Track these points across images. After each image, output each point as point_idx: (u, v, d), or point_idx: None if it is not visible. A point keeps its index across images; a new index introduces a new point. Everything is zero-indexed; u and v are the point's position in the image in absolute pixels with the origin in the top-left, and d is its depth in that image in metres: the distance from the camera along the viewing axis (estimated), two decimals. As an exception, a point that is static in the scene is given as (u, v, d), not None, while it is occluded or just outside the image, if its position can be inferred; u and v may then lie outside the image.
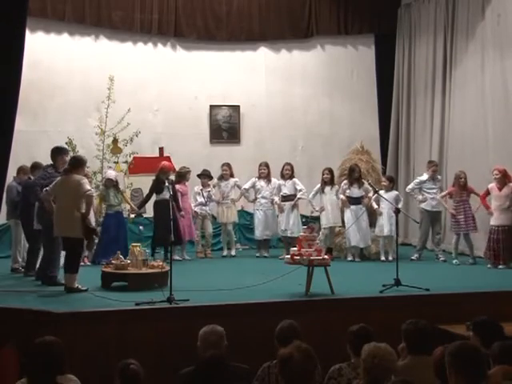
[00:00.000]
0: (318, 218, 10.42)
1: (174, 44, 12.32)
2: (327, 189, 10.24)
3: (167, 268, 7.14)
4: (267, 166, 10.63)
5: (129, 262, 7.48)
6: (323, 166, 10.49)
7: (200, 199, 10.49)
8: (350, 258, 10.03)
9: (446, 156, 11.29)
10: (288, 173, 10.49)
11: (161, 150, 11.59)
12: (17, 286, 7.73)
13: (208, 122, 12.39)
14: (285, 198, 10.41)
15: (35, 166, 8.89)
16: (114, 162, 10.90)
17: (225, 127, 12.44)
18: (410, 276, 7.51)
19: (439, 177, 10.41)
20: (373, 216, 10.27)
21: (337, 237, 10.41)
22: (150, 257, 7.76)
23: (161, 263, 7.65)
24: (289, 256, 7.18)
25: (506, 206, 9.05)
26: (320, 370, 4.25)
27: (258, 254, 10.55)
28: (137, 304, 6.16)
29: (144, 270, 7.42)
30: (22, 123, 9.53)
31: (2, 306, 6.26)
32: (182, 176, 10.27)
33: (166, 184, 9.59)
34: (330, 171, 10.32)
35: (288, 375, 3.51)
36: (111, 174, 9.92)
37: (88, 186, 7.18)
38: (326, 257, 7.07)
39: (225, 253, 10.65)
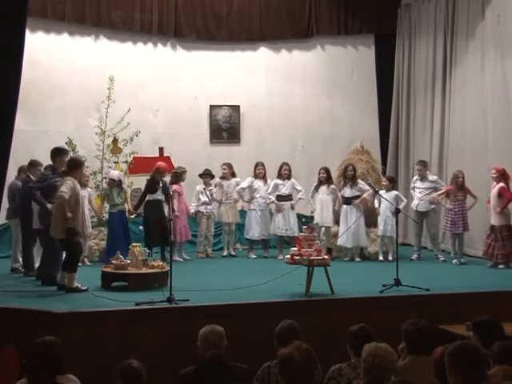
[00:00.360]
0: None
1: (173, 44, 12.32)
2: (322, 188, 10.24)
3: (167, 268, 7.15)
4: (263, 165, 10.64)
5: (129, 262, 7.48)
6: (323, 166, 10.49)
7: (204, 198, 10.48)
8: (346, 259, 10.03)
9: (446, 156, 11.28)
10: (286, 173, 10.49)
11: (161, 150, 11.58)
12: (17, 286, 7.74)
13: (208, 122, 12.39)
14: (283, 198, 10.41)
15: (33, 164, 8.88)
16: (114, 162, 10.89)
17: (225, 127, 12.44)
18: (410, 276, 7.52)
19: (431, 177, 10.26)
20: (371, 216, 10.27)
21: (335, 237, 10.40)
22: (150, 257, 7.76)
23: (161, 263, 7.65)
24: (289, 256, 7.17)
25: (495, 206, 9.06)
26: (320, 370, 4.25)
27: (254, 256, 10.46)
28: (137, 304, 6.16)
29: (144, 270, 7.43)
30: (22, 123, 9.54)
31: (2, 305, 6.27)
32: (178, 176, 10.22)
33: (161, 184, 9.59)
34: (327, 171, 10.33)
35: (288, 375, 3.51)
36: (114, 173, 9.90)
37: (64, 188, 7.12)
38: (325, 257, 7.08)
39: (225, 253, 10.65)
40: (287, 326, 4.66)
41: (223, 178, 10.79)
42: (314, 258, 6.92)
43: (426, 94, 11.86)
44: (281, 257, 9.64)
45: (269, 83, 12.58)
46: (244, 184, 10.62)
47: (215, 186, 10.79)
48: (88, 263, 9.47)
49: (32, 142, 10.77)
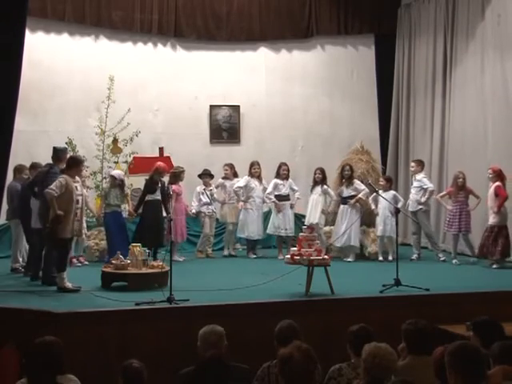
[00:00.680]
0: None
1: (173, 44, 12.32)
2: (317, 189, 10.29)
3: (167, 268, 7.15)
4: (259, 165, 10.65)
5: (129, 262, 7.48)
6: (323, 166, 10.51)
7: (205, 199, 10.48)
8: (345, 259, 10.01)
9: (446, 156, 11.28)
10: (285, 173, 10.50)
11: (161, 150, 11.57)
12: (17, 286, 7.74)
13: (208, 122, 12.39)
14: (283, 198, 10.41)
15: (33, 167, 8.89)
16: (114, 162, 10.89)
17: (225, 127, 12.44)
18: (410, 276, 7.52)
19: (418, 176, 10.19)
20: (371, 216, 10.28)
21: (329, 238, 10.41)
22: (149, 257, 7.76)
23: (161, 263, 7.65)
24: (289, 256, 7.18)
25: (491, 206, 9.07)
26: (320, 370, 4.25)
27: (254, 256, 10.46)
28: (137, 304, 6.16)
29: (144, 270, 7.43)
30: (22, 123, 9.53)
31: (2, 305, 6.27)
32: (177, 176, 10.19)
33: (159, 185, 9.58)
34: (322, 171, 10.37)
35: (288, 375, 3.51)
36: (115, 172, 9.91)
37: (53, 186, 7.13)
38: (325, 257, 7.08)
39: (226, 252, 10.66)
40: (286, 326, 4.66)
41: (225, 178, 10.79)
42: (314, 258, 6.93)
43: (426, 94, 11.87)
44: (281, 257, 9.64)
45: (269, 83, 12.58)
46: (241, 183, 10.60)
47: (217, 187, 10.79)
48: (86, 263, 9.46)
49: (32, 142, 10.77)
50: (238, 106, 12.42)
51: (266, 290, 6.93)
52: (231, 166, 10.86)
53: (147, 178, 9.90)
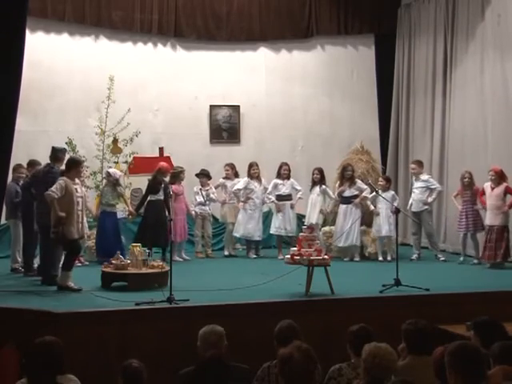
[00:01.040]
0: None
1: (173, 44, 12.31)
2: (315, 189, 10.31)
3: (167, 268, 7.15)
4: (258, 166, 10.65)
5: (129, 262, 7.49)
6: (323, 166, 10.51)
7: (199, 199, 10.48)
8: (346, 259, 10.02)
9: (446, 156, 11.28)
10: (286, 173, 10.50)
11: (161, 150, 11.58)
12: (17, 286, 7.73)
13: (208, 122, 12.39)
14: (283, 198, 10.42)
15: (31, 164, 8.88)
16: (114, 162, 10.89)
17: (225, 127, 12.44)
18: (410, 276, 7.52)
19: (423, 177, 10.23)
20: (370, 216, 10.27)
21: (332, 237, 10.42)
22: (149, 257, 7.76)
23: (161, 263, 7.65)
24: (289, 256, 7.17)
25: (496, 206, 9.06)
26: (320, 370, 4.25)
27: (254, 256, 10.47)
28: (137, 304, 6.16)
29: (144, 270, 7.43)
30: (22, 123, 9.50)
31: (2, 305, 6.26)
32: (176, 176, 10.19)
33: (163, 185, 9.59)
34: (320, 171, 10.39)
35: (288, 375, 3.51)
36: (112, 170, 9.94)
37: (53, 188, 7.14)
38: (325, 257, 7.08)
39: (226, 252, 10.65)
40: (286, 326, 4.66)
41: (226, 178, 10.79)
42: (314, 258, 6.93)
43: (426, 94, 11.86)
44: (280, 257, 9.64)
45: (269, 83, 12.58)
46: (240, 185, 10.59)
47: (218, 187, 10.79)
48: (86, 263, 9.47)
49: (32, 142, 10.76)
50: (238, 106, 12.41)
51: (266, 290, 6.93)
52: (232, 166, 10.86)
53: (150, 178, 9.92)
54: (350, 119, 12.84)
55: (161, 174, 9.84)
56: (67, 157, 8.25)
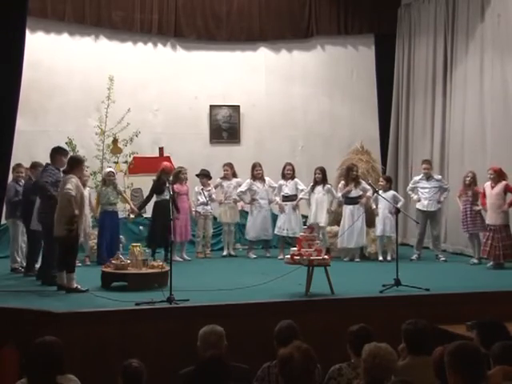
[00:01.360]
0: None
1: (173, 44, 12.32)
2: (318, 188, 10.29)
3: (167, 268, 7.15)
4: (261, 166, 10.65)
5: (129, 262, 7.48)
6: (323, 166, 10.50)
7: (201, 199, 10.48)
8: (345, 259, 10.01)
9: (447, 156, 11.28)
10: (290, 173, 10.51)
11: (161, 150, 11.58)
12: (17, 286, 7.74)
13: (208, 122, 12.39)
14: (286, 198, 10.43)
15: (34, 166, 8.88)
16: (114, 162, 10.89)
17: (225, 127, 12.44)
18: (410, 276, 7.51)
19: (436, 176, 10.33)
20: (372, 216, 10.28)
21: (335, 237, 10.41)
22: (150, 257, 7.76)
23: (161, 263, 7.65)
24: (289, 256, 7.17)
25: (497, 205, 9.05)
26: (320, 370, 4.25)
27: (254, 256, 10.47)
28: (137, 304, 6.16)
29: (144, 270, 7.43)
30: (22, 123, 9.50)
31: (2, 305, 6.26)
32: (176, 176, 10.21)
33: (167, 185, 9.59)
34: (322, 170, 10.37)
35: (288, 375, 3.51)
36: (108, 168, 9.97)
37: (69, 185, 7.09)
38: (325, 257, 7.08)
39: (225, 253, 10.65)
40: (286, 326, 4.67)
41: (224, 178, 10.78)
42: (313, 258, 6.92)
43: (426, 94, 11.86)
44: (281, 256, 9.64)
45: (269, 83, 12.58)
46: (243, 187, 10.60)
47: (216, 187, 10.79)
48: (88, 263, 9.47)
49: (32, 142, 10.77)
50: (238, 106, 12.42)
51: (266, 290, 6.93)
52: (231, 166, 10.85)
53: (154, 178, 9.94)
54: (350, 119, 12.84)
55: (165, 174, 9.86)
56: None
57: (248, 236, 10.64)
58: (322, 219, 10.22)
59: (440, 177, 10.42)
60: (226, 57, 12.50)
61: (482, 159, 10.15)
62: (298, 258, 6.98)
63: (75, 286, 7.06)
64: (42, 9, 11.21)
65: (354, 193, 10.09)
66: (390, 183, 10.42)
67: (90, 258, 9.66)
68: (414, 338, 4.46)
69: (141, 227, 10.89)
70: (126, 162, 10.97)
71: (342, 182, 10.27)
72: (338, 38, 12.92)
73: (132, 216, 10.42)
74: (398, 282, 7.15)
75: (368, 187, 9.85)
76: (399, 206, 9.40)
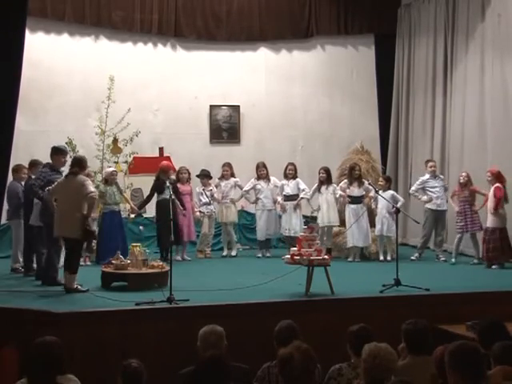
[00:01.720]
0: (317, 218, 10.42)
1: (173, 44, 12.32)
2: (323, 188, 10.29)
3: (167, 268, 7.15)
4: (265, 165, 10.66)
5: (129, 262, 7.48)
6: (323, 166, 10.50)
7: (204, 199, 10.48)
8: (350, 259, 10.01)
9: (447, 156, 11.28)
10: (291, 173, 10.51)
11: (161, 150, 11.58)
12: (17, 285, 7.73)
13: (208, 122, 12.39)
14: (288, 198, 10.44)
15: (33, 164, 8.88)
16: (114, 162, 10.90)
17: (225, 127, 12.44)
18: (410, 276, 7.51)
19: (441, 176, 10.40)
20: (371, 216, 10.28)
21: (336, 237, 10.42)
22: (155, 257, 7.76)
23: (161, 263, 7.65)
24: (289, 256, 7.17)
25: (489, 208, 9.06)
26: (320, 370, 4.25)
27: (259, 255, 10.52)
28: (137, 304, 6.16)
29: (144, 270, 7.42)
30: (22, 123, 9.55)
31: (2, 305, 6.26)
32: (176, 176, 10.28)
33: (167, 184, 9.58)
34: (326, 170, 10.36)
35: (288, 375, 3.52)
36: (110, 168, 9.99)
37: (92, 188, 7.19)
38: (325, 257, 7.08)
39: (225, 253, 10.64)
40: (286, 327, 4.66)
41: (222, 177, 10.78)
42: (314, 258, 6.92)
43: (426, 94, 11.86)
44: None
45: (269, 83, 12.58)
46: (247, 186, 10.64)
47: (216, 187, 10.79)
48: (88, 263, 9.47)
49: (32, 142, 10.77)
50: (238, 106, 12.42)
51: (266, 290, 6.93)
52: (231, 166, 10.84)
53: (155, 178, 9.96)
54: (350, 119, 12.84)
55: (162, 173, 9.87)
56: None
57: (256, 236, 10.70)
58: (336, 219, 10.23)
59: (442, 176, 10.45)
60: (226, 57, 12.50)
61: (482, 159, 10.14)
62: (298, 258, 6.97)
63: (75, 286, 7.06)
64: (41, 9, 11.21)
65: (357, 192, 10.09)
66: (390, 183, 10.43)
67: (91, 258, 9.66)
68: (414, 338, 4.46)
69: (141, 227, 10.89)
70: (126, 161, 10.97)
71: (345, 181, 10.26)
72: (338, 38, 12.92)
73: (132, 216, 10.42)
74: (397, 282, 7.15)
75: (370, 187, 9.86)
76: (399, 205, 9.40)
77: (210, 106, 12.34)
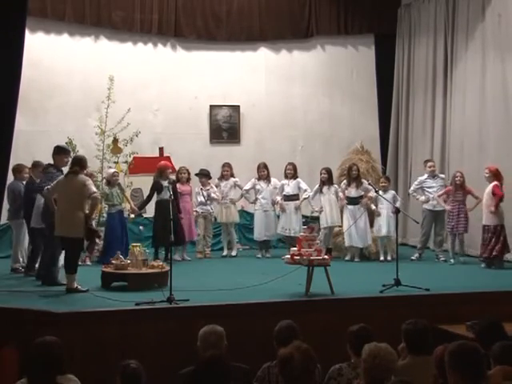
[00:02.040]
0: (317, 218, 10.41)
1: (173, 44, 12.32)
2: (325, 189, 10.27)
3: (167, 268, 7.15)
4: (266, 166, 10.65)
5: (129, 262, 7.48)
6: (323, 166, 10.50)
7: (200, 198, 10.49)
8: (347, 258, 10.02)
9: (447, 156, 11.28)
10: (291, 172, 10.50)
11: (161, 150, 11.58)
12: (17, 285, 7.73)
13: (208, 122, 12.39)
14: (287, 198, 10.43)
15: (35, 165, 8.88)
16: (114, 162, 10.90)
17: (225, 127, 12.44)
18: (410, 276, 7.52)
19: (441, 175, 10.39)
20: (371, 216, 10.27)
21: (336, 237, 10.42)
22: (150, 257, 7.76)
23: (161, 263, 7.66)
24: (289, 256, 7.17)
25: (487, 205, 9.06)
26: (320, 370, 4.25)
27: (259, 255, 10.52)
28: (137, 304, 6.16)
29: (144, 270, 7.42)
30: (22, 123, 9.54)
31: (2, 305, 6.26)
32: (176, 176, 10.29)
33: (166, 184, 9.59)
34: (328, 171, 10.34)
35: (288, 375, 3.52)
36: (112, 169, 10.01)
37: (94, 188, 7.19)
38: (325, 257, 7.07)
39: (225, 253, 10.64)
40: (286, 326, 4.66)
41: (222, 178, 10.78)
42: (314, 258, 6.92)
43: (426, 93, 11.86)
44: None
45: (269, 83, 12.58)
46: (247, 186, 10.64)
47: (216, 187, 10.79)
48: (88, 263, 9.47)
49: (32, 142, 10.77)
50: (238, 106, 12.42)
51: (266, 290, 6.93)
52: (231, 167, 10.84)
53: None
54: (350, 119, 12.84)
55: (160, 173, 9.88)
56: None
57: (254, 236, 10.69)
58: (339, 219, 10.22)
59: (444, 175, 10.43)
60: (226, 57, 12.50)
61: (482, 159, 10.14)
62: (298, 258, 6.97)
63: (75, 286, 7.06)
64: (41, 9, 11.21)
65: (355, 193, 10.08)
66: (390, 183, 10.43)
67: (91, 258, 9.66)
68: (414, 338, 4.47)
69: (141, 227, 10.90)
70: (126, 162, 10.97)
71: (345, 181, 10.27)
72: (338, 38, 12.92)
73: (132, 216, 10.42)
74: (397, 282, 7.15)
75: (370, 187, 9.85)
76: (398, 205, 9.40)
77: (210, 105, 12.34)
